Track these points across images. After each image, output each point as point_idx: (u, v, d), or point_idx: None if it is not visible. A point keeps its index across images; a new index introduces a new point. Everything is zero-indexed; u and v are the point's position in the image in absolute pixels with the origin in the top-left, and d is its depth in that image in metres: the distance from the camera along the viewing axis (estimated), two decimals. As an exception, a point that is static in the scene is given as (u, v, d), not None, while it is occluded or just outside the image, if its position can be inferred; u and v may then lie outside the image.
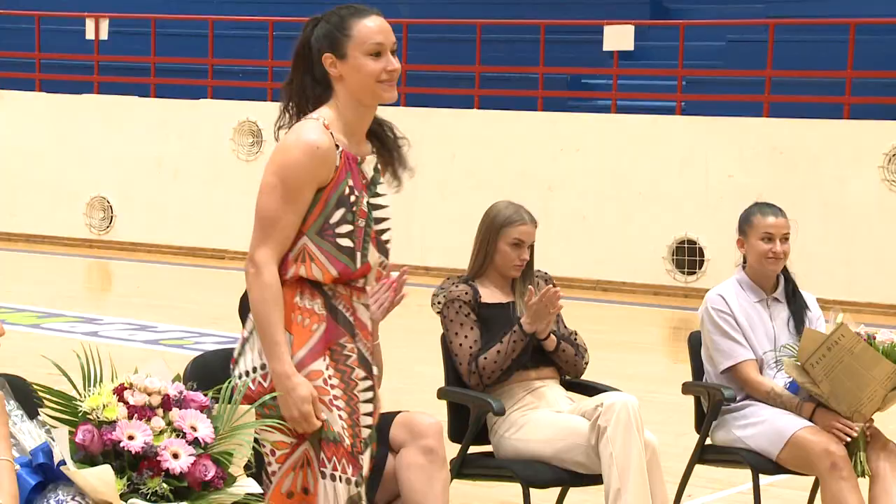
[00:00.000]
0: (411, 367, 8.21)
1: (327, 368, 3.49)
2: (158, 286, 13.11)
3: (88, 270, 14.53)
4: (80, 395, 3.07)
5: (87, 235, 15.47)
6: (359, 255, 3.53)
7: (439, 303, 4.79)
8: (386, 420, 4.30)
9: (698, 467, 5.04)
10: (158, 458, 2.96)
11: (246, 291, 4.25)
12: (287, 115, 3.63)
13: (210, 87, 15.28)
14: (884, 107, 12.37)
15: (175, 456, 2.98)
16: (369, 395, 3.58)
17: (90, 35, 15.75)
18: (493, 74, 14.13)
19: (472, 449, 4.70)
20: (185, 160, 15.00)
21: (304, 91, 3.58)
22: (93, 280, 14.53)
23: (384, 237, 3.64)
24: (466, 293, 4.71)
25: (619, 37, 13.16)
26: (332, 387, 3.49)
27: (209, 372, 4.18)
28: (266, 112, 14.67)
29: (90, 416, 3.01)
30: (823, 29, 13.59)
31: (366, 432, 3.55)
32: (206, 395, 3.15)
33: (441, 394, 4.72)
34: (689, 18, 14.64)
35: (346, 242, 3.51)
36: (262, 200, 3.50)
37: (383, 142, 3.68)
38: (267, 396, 3.38)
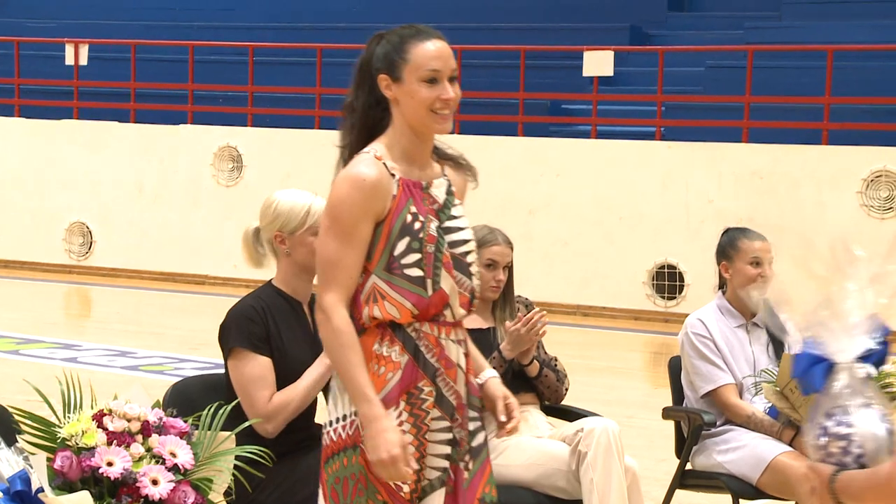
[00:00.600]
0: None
1: (399, 416, 3.30)
2: (138, 312, 13.06)
3: (68, 296, 14.48)
4: (59, 420, 3.06)
5: (67, 261, 15.42)
6: (430, 282, 3.32)
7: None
8: (366, 446, 4.30)
9: (679, 492, 5.04)
10: (137, 485, 2.95)
11: (227, 317, 4.26)
12: (348, 137, 3.48)
13: (190, 112, 15.28)
14: (862, 132, 12.44)
15: (154, 482, 2.96)
16: (447, 436, 3.36)
17: (70, 60, 15.73)
18: (474, 100, 14.16)
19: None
20: (165, 185, 14.97)
21: (367, 112, 3.43)
22: (72, 306, 14.48)
23: (468, 259, 3.42)
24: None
25: (598, 62, 13.20)
26: (402, 434, 3.29)
27: (189, 398, 4.17)
28: (246, 137, 14.68)
29: (69, 443, 3.00)
30: (802, 55, 13.68)
31: (434, 474, 3.34)
32: (185, 421, 3.14)
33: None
34: (668, 44, 14.71)
35: (415, 272, 3.32)
36: (319, 243, 3.36)
37: (453, 160, 3.53)
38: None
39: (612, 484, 4.36)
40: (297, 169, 13.94)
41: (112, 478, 2.94)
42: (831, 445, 2.43)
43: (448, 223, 3.40)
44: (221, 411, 3.25)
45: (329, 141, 14.47)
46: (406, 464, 3.23)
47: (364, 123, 3.44)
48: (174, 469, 2.99)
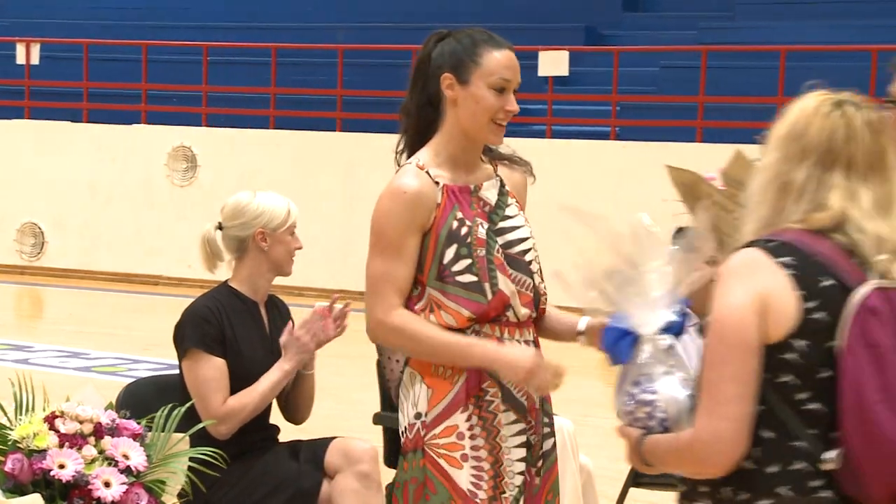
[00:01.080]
0: (347, 392, 8.17)
1: (468, 419, 3.25)
2: (91, 313, 12.97)
3: (19, 297, 14.35)
4: (10, 423, 3.03)
5: (18, 262, 15.29)
6: (487, 286, 3.25)
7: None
8: (321, 445, 4.29)
9: (633, 490, 5.05)
10: (90, 487, 2.93)
11: (182, 318, 4.23)
12: (405, 140, 3.40)
13: (144, 111, 15.19)
14: (814, 132, 12.52)
15: (107, 484, 2.94)
16: (521, 438, 3.31)
17: (21, 60, 15.59)
18: (429, 100, 14.16)
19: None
20: (118, 186, 14.88)
21: (424, 112, 3.35)
22: (24, 307, 14.35)
23: (527, 258, 3.36)
24: (402, 318, 4.70)
25: (554, 62, 13.24)
26: (472, 437, 3.26)
27: (142, 399, 4.14)
28: (201, 137, 14.60)
29: (20, 445, 2.97)
30: (755, 56, 13.76)
31: (513, 487, 3.29)
32: (139, 422, 3.12)
33: (376, 419, 4.70)
34: (623, 45, 14.76)
35: (468, 278, 3.25)
36: (368, 263, 3.31)
37: (507, 158, 3.46)
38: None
39: (567, 482, 4.37)
40: (253, 169, 13.88)
41: (64, 480, 2.92)
42: (638, 411, 2.58)
43: (502, 223, 3.34)
44: (175, 413, 3.23)
45: (284, 141, 14.59)
46: (548, 368, 3.21)
47: (417, 126, 3.37)
48: (127, 471, 2.97)
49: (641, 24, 15.91)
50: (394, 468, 4.66)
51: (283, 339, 4.24)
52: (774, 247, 2.48)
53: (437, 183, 3.29)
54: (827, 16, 14.48)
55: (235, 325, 4.22)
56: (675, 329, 2.68)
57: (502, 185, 3.41)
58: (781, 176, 2.54)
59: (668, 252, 2.71)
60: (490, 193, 3.37)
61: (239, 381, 4.18)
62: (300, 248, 4.36)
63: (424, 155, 3.33)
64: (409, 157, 3.37)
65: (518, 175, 3.47)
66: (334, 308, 4.31)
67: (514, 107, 3.30)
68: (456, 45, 3.30)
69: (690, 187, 3.22)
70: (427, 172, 3.30)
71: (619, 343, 2.66)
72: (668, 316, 2.66)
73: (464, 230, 3.28)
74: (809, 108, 2.64)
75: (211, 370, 4.14)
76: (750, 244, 2.51)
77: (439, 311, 3.25)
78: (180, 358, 4.20)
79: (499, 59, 3.28)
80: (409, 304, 3.29)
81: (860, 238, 2.47)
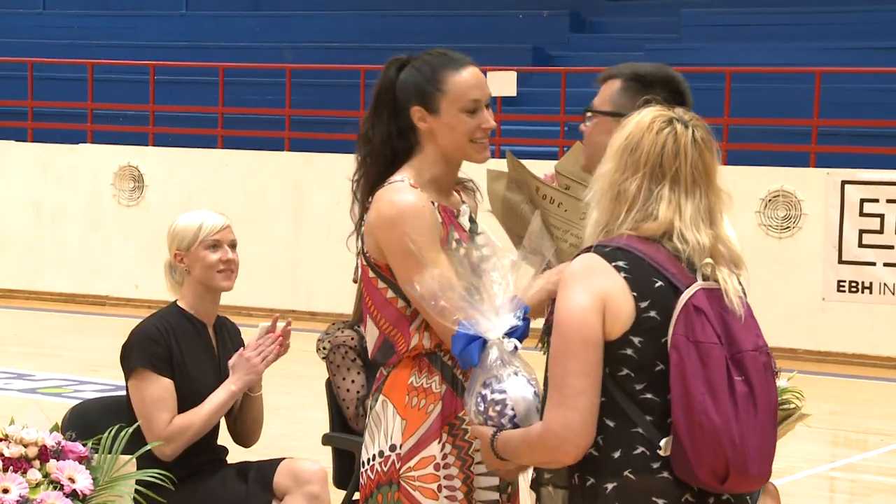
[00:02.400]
0: (296, 412, 8.14)
1: (442, 448, 3.19)
2: (36, 333, 12.84)
3: (-37, 318, 14.19)
4: (-47, 446, 2.99)
5: (-38, 282, 15.12)
6: None
7: (324, 348, 4.76)
8: (269, 467, 4.27)
9: None
10: (35, 511, 2.89)
11: (129, 338, 4.20)
12: (363, 169, 3.27)
13: (90, 131, 15.08)
14: (760, 153, 12.65)
15: (52, 508, 2.91)
16: None
17: (-34, 78, 15.46)
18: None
19: (357, 495, 4.67)
20: (64, 205, 14.75)
21: (386, 142, 3.24)
22: (-32, 328, 14.19)
23: None
24: (352, 338, 4.69)
25: (502, 83, 13.28)
26: (446, 466, 3.20)
27: (88, 420, 4.10)
28: (148, 156, 14.52)
29: (-37, 469, 2.93)
30: (701, 77, 13.86)
31: None
32: (85, 444, 3.08)
33: (325, 440, 4.69)
34: (570, 65, 14.84)
35: None
36: (408, 285, 3.09)
37: (462, 183, 3.38)
38: None
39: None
40: (200, 189, 13.82)
41: (9, 504, 2.88)
42: (490, 410, 2.78)
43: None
44: (122, 434, 3.20)
45: (232, 160, 14.54)
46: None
47: (382, 155, 3.26)
48: (73, 495, 2.93)
49: (589, 45, 16.00)
50: (343, 489, 4.65)
51: (231, 360, 4.22)
52: (610, 252, 2.69)
53: (433, 202, 3.23)
54: (771, 38, 14.64)
55: (183, 345, 4.20)
56: (519, 332, 2.85)
57: (471, 213, 3.37)
58: (616, 185, 2.73)
59: (511, 260, 2.91)
60: (464, 219, 3.32)
61: (186, 402, 4.16)
62: (226, 260, 4.21)
63: (408, 175, 3.24)
64: (368, 186, 3.27)
65: (474, 202, 3.43)
66: (277, 327, 4.29)
67: (489, 123, 3.26)
68: (417, 76, 3.23)
69: (522, 181, 3.25)
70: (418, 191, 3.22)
71: (468, 348, 2.82)
72: (511, 321, 2.85)
73: (462, 251, 3.16)
74: (644, 123, 2.77)
75: (158, 390, 4.11)
76: (588, 249, 2.72)
77: (432, 331, 3.17)
78: (127, 378, 4.16)
79: (464, 81, 3.22)
80: (402, 323, 3.21)
81: (683, 247, 2.70)
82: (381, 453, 3.23)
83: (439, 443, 3.19)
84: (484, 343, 2.82)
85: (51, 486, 2.95)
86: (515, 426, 2.75)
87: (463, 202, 3.36)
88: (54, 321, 13.48)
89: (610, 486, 2.65)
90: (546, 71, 14.94)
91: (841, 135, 13.04)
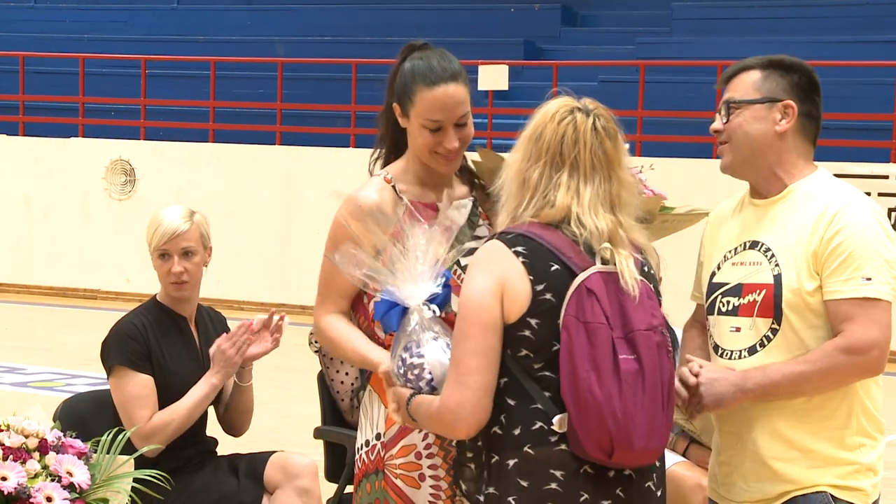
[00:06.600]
0: (287, 406, 8.15)
1: (424, 439, 3.22)
2: (27, 327, 12.85)
3: (-46, 312, 14.19)
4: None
5: (-46, 276, 15.12)
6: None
7: (316, 341, 4.77)
8: (260, 460, 4.28)
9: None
10: (31, 501, 2.92)
11: (107, 336, 4.21)
12: (377, 151, 3.39)
13: (81, 125, 15.08)
14: (751, 146, 12.67)
15: (49, 500, 2.93)
16: None
17: (-43, 72, 15.45)
18: (368, 113, 14.17)
19: (349, 489, 4.69)
20: (55, 199, 14.75)
21: (394, 126, 3.33)
22: (-41, 322, 14.19)
23: None
24: (343, 332, 4.70)
25: (493, 77, 13.30)
26: (430, 456, 3.23)
27: (80, 414, 4.12)
28: (139, 150, 14.52)
29: (-41, 460, 2.95)
30: (692, 70, 13.90)
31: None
32: (85, 442, 3.11)
33: (317, 433, 4.70)
34: (561, 59, 14.86)
35: None
36: (323, 261, 3.29)
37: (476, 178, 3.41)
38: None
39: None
40: (191, 182, 13.82)
41: (6, 492, 2.90)
42: (409, 373, 2.91)
43: (471, 244, 3.20)
44: (121, 437, 3.21)
45: (223, 154, 14.49)
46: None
47: (392, 137, 3.36)
48: (70, 488, 2.96)
49: (580, 39, 16.03)
50: (335, 482, 4.66)
51: (211, 349, 4.22)
52: (511, 238, 2.83)
53: (401, 198, 3.28)
54: (761, 31, 14.67)
55: (162, 340, 4.20)
56: (439, 300, 2.96)
57: (475, 206, 3.37)
58: (521, 173, 2.87)
59: (429, 229, 3.00)
60: (457, 213, 3.32)
61: (167, 397, 4.16)
62: (175, 272, 4.18)
63: (395, 168, 3.33)
64: (384, 165, 3.37)
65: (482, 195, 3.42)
66: (272, 320, 4.30)
67: (451, 145, 3.23)
68: (404, 75, 3.28)
69: (495, 169, 3.27)
70: (394, 187, 3.29)
71: (388, 313, 2.95)
72: (432, 288, 2.95)
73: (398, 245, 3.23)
74: (549, 113, 2.91)
75: (137, 387, 4.12)
76: (492, 236, 2.88)
77: None
78: (107, 375, 4.17)
79: (431, 100, 3.22)
80: (359, 306, 3.29)
81: (581, 231, 2.83)
82: (367, 442, 3.29)
83: (420, 431, 3.22)
84: (405, 310, 2.93)
85: (49, 478, 2.97)
86: (433, 389, 2.88)
87: (472, 195, 3.38)
88: (46, 315, 13.49)
89: (511, 461, 2.78)
90: (537, 65, 14.95)
91: (832, 128, 13.07)
